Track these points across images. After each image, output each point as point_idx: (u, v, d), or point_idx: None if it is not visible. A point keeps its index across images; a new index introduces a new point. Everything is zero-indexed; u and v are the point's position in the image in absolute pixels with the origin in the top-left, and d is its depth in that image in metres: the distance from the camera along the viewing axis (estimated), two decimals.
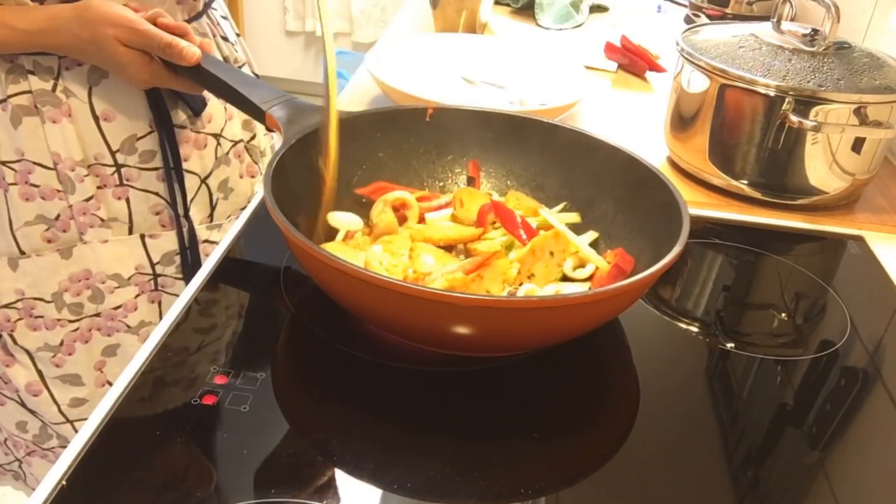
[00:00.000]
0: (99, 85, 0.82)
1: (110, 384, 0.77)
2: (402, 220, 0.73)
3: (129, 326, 0.93)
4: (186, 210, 0.94)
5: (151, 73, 0.78)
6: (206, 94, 0.90)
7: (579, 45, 1.41)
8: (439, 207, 0.75)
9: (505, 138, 0.79)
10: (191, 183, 0.93)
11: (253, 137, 1.03)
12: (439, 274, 0.63)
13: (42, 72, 0.80)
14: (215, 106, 0.94)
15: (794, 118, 0.81)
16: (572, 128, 0.77)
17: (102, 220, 0.87)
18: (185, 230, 0.93)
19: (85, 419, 0.55)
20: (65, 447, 0.51)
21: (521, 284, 0.66)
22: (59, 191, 0.84)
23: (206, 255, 0.93)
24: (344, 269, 0.53)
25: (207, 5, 0.93)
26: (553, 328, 0.57)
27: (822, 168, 0.85)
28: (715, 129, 0.88)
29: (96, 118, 0.83)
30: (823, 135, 0.82)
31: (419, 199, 0.75)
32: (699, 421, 0.59)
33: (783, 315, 0.73)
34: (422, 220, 0.74)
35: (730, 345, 0.67)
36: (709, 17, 1.49)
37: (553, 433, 0.56)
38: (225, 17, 0.99)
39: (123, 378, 0.57)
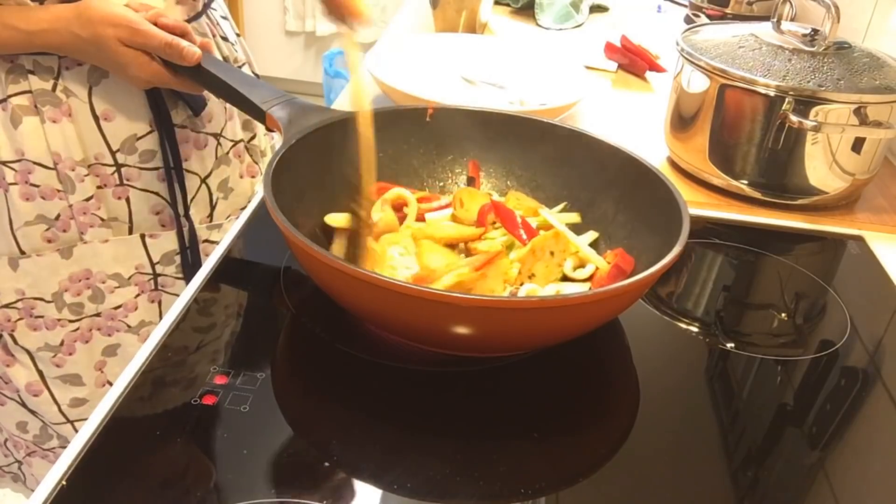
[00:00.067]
0: (99, 85, 0.82)
1: (110, 384, 0.77)
2: (402, 219, 0.73)
3: (129, 326, 0.93)
4: (186, 210, 0.94)
5: (152, 72, 0.78)
6: (207, 93, 0.90)
7: (579, 45, 1.40)
8: (440, 208, 0.75)
9: (505, 138, 0.79)
10: (191, 183, 0.93)
11: (253, 137, 1.03)
12: (449, 271, 0.63)
13: (42, 72, 0.80)
14: (215, 106, 0.94)
15: (794, 118, 0.81)
16: (572, 128, 0.77)
17: (102, 219, 0.87)
18: (185, 230, 0.93)
19: (85, 419, 0.55)
20: (65, 447, 0.51)
21: (521, 284, 0.66)
22: (59, 191, 0.84)
23: (206, 255, 0.93)
24: (344, 270, 0.53)
25: (207, 5, 0.93)
26: (553, 328, 0.57)
27: (822, 168, 0.85)
28: (715, 129, 0.88)
29: (96, 118, 0.83)
30: (823, 135, 0.82)
31: (419, 200, 0.75)
32: (699, 421, 0.59)
33: (783, 315, 0.73)
34: (420, 219, 0.74)
35: (730, 345, 0.67)
36: (709, 17, 1.49)
37: (553, 433, 0.56)
38: (225, 17, 0.99)
39: (123, 378, 0.57)
